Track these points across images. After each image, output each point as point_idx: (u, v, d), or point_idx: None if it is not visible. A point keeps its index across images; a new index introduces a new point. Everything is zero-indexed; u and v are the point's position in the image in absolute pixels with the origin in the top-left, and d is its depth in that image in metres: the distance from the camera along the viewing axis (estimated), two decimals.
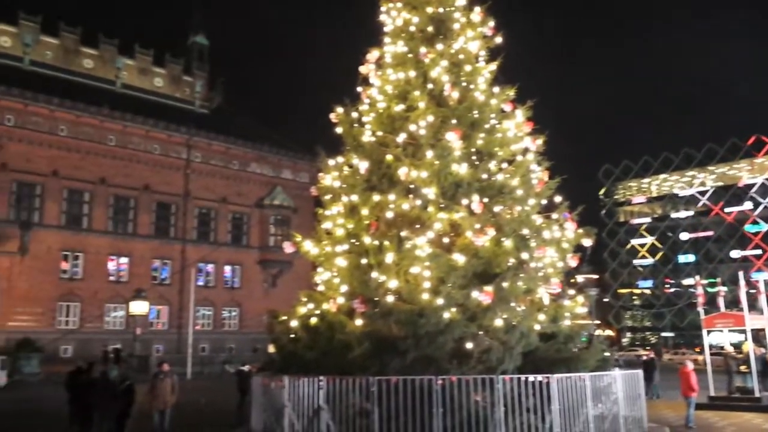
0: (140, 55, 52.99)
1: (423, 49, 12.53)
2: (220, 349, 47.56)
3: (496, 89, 12.86)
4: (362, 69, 13.31)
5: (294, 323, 12.09)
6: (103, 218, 44.59)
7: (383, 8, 13.43)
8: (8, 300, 39.50)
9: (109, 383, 14.93)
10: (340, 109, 13.03)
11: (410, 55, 12.78)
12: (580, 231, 12.44)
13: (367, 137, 12.62)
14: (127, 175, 45.58)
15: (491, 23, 13.28)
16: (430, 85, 12.44)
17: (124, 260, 45.28)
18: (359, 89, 13.26)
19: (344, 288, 11.66)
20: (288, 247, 12.94)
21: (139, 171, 46.30)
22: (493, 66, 13.13)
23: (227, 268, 50.69)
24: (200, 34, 57.80)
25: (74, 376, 16.54)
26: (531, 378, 10.12)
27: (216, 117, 54.42)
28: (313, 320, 11.68)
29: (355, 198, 12.17)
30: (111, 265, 44.69)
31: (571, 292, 12.66)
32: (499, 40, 13.18)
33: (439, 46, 12.67)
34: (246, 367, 20.26)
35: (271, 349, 13.17)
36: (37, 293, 40.57)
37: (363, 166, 12.24)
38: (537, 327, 11.22)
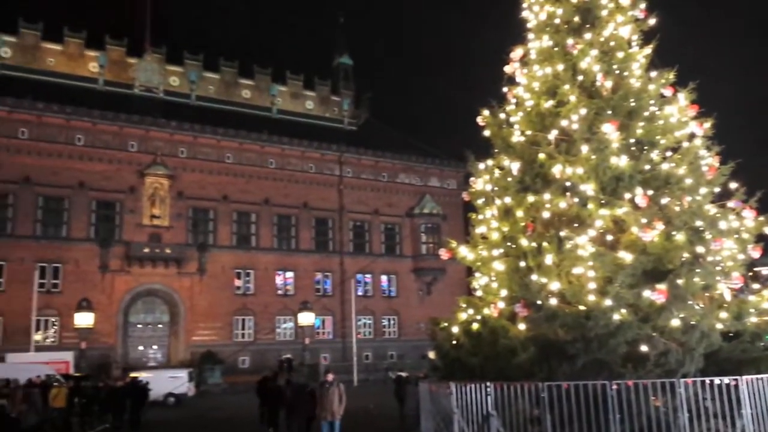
0: (291, 81, 56.12)
1: (570, 41, 12.06)
2: (383, 356, 48.81)
3: (653, 74, 12.06)
4: (507, 68, 13.06)
5: (455, 329, 12.06)
6: (269, 236, 47.61)
7: (525, 4, 13.10)
8: (191, 316, 43.36)
9: (298, 388, 16.38)
10: (486, 112, 12.87)
11: (557, 49, 12.34)
12: (761, 219, 11.29)
13: (516, 137, 12.35)
14: (287, 195, 48.40)
15: (642, 5, 12.50)
16: (580, 77, 11.92)
17: (289, 275, 48.00)
18: (505, 89, 13.03)
19: (504, 292, 11.46)
20: (443, 254, 12.95)
21: (297, 190, 48.98)
22: (648, 50, 12.32)
23: (383, 278, 51.98)
24: (344, 54, 60.11)
25: (263, 384, 18.15)
26: (716, 381, 9.35)
27: (364, 132, 56.24)
28: (475, 326, 11.58)
29: (508, 200, 11.93)
30: (278, 280, 47.56)
31: (756, 286, 11.55)
32: (653, 21, 12.37)
33: (587, 36, 12.13)
34: (403, 374, 20.57)
35: (433, 355, 13.23)
36: (215, 309, 44.15)
37: (515, 167, 11.99)
38: (719, 326, 10.31)
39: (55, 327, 39.11)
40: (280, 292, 47.34)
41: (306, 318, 41.93)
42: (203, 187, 45.22)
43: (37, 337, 36.62)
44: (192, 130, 45.34)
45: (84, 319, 35.64)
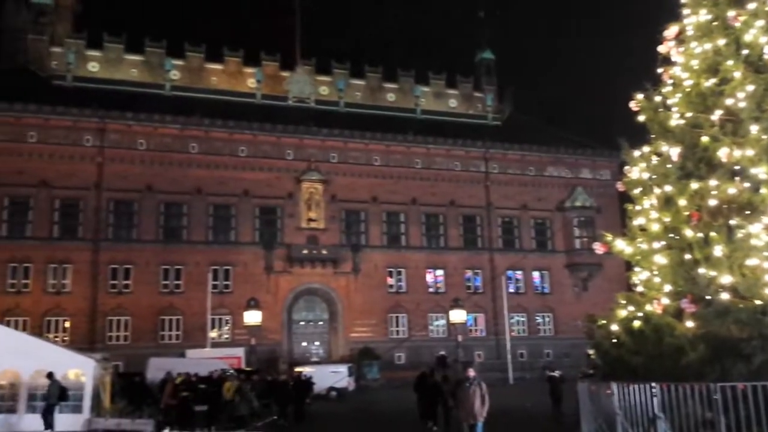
0: (434, 81, 56.53)
1: (731, 13, 11.07)
2: (538, 354, 47.69)
3: None
4: (661, 48, 12.24)
5: (614, 327, 11.52)
6: (418, 235, 48.34)
7: None
8: (349, 313, 45.14)
9: (458, 384, 16.53)
10: (640, 96, 12.17)
11: (716, 23, 11.39)
12: None
13: (675, 121, 11.54)
14: (433, 194, 48.84)
15: None
16: (744, 52, 10.91)
17: (439, 272, 48.40)
18: (659, 70, 12.23)
19: (667, 287, 10.76)
20: (598, 248, 12.40)
21: (444, 188, 49.27)
22: None
23: (535, 274, 50.77)
24: (486, 49, 59.49)
25: (421, 379, 18.65)
26: None
27: (508, 127, 55.30)
28: (637, 323, 10.99)
29: (669, 188, 11.19)
30: (429, 278, 48.13)
31: None
32: None
33: (751, 6, 11.07)
34: (557, 373, 19.97)
35: (592, 354, 12.70)
36: (370, 307, 45.61)
37: (674, 152, 11.21)
38: None
39: (228, 325, 42.46)
40: (431, 289, 47.86)
41: (458, 315, 41.98)
42: (354, 190, 46.88)
43: (213, 334, 39.98)
44: (342, 136, 47.20)
45: (253, 317, 38.27)
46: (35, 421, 18.22)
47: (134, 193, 42.26)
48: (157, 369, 25.30)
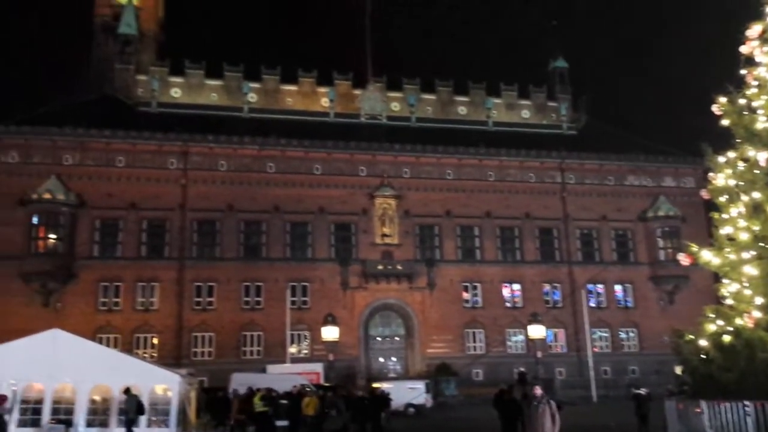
0: (506, 92, 55.93)
1: None
2: (622, 371, 45.94)
3: None
4: (743, 48, 11.72)
5: (703, 342, 11.00)
6: (493, 249, 47.71)
7: None
8: (425, 329, 44.98)
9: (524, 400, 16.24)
10: (723, 99, 11.66)
11: None
12: None
13: (761, 124, 11.01)
14: (508, 206, 48.15)
15: None
16: None
17: (516, 286, 47.53)
18: (742, 72, 11.68)
19: (759, 300, 10.21)
20: (684, 260, 11.93)
21: (518, 201, 48.50)
22: None
23: (617, 288, 49.05)
24: (559, 58, 58.46)
25: (500, 396, 18.39)
26: None
27: (584, 136, 53.95)
28: (727, 338, 10.47)
29: (757, 195, 10.66)
30: (505, 292, 47.34)
31: None
32: None
33: None
34: (643, 391, 19.17)
35: (679, 371, 12.14)
36: (446, 322, 45.29)
37: (762, 157, 10.69)
38: None
39: (307, 340, 43.15)
40: (508, 304, 47.05)
41: (536, 331, 41.13)
42: (427, 204, 46.85)
43: (292, 349, 40.75)
44: (414, 151, 47.35)
45: (330, 333, 38.80)
46: None
47: (216, 213, 43.81)
48: (239, 384, 25.95)
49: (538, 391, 12.04)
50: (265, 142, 45.16)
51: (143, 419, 19.38)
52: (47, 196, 40.28)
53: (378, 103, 52.63)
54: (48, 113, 43.24)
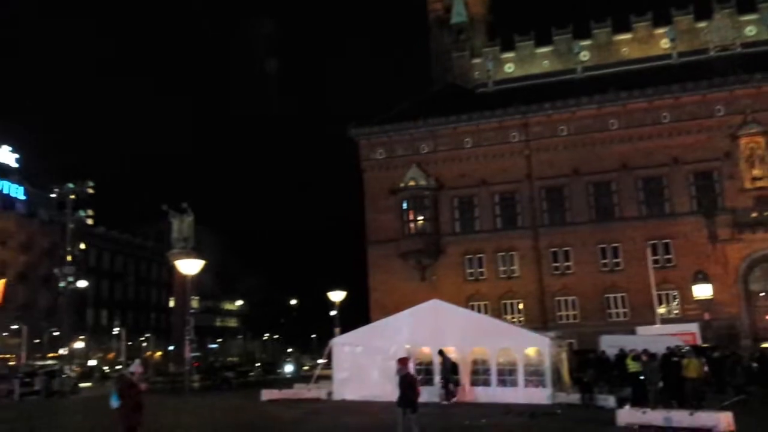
0: None
1: None
2: None
3: None
4: None
5: None
6: None
7: None
8: None
9: None
10: None
11: None
12: None
13: None
14: None
15: None
16: None
17: None
18: None
19: None
20: None
21: None
22: None
23: None
24: None
25: None
26: None
27: None
28: None
29: None
30: None
31: None
32: None
33: None
34: None
35: None
36: None
37: None
38: None
39: (676, 300, 40.64)
40: None
41: None
42: None
43: (661, 310, 38.75)
44: None
45: (702, 291, 35.88)
46: (505, 393, 20.79)
47: (562, 179, 44.02)
48: (608, 346, 25.91)
49: None
50: (603, 99, 43.62)
51: (521, 380, 20.89)
52: (412, 183, 45.52)
53: (729, 31, 46.47)
54: (402, 110, 48.66)
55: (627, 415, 15.33)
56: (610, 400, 19.06)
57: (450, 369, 21.12)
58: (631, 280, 40.77)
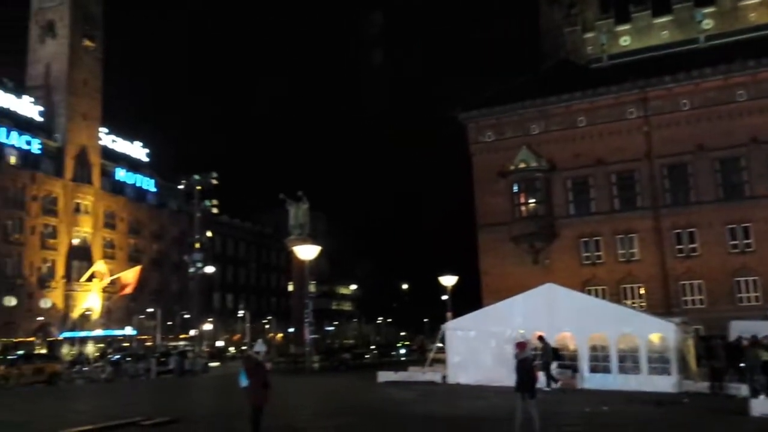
0: None
1: None
2: None
3: None
4: None
5: None
6: None
7: None
8: None
9: None
10: None
11: None
12: None
13: None
14: None
15: None
16: None
17: None
18: None
19: None
20: None
21: None
22: None
23: None
24: None
25: None
26: None
27: None
28: None
29: None
30: None
31: None
32: None
33: None
34: None
35: None
36: None
37: None
38: None
39: None
40: None
41: None
42: None
43: None
44: None
45: None
46: (627, 380, 20.12)
47: (686, 155, 41.45)
48: (739, 332, 24.40)
49: None
50: (730, 69, 40.55)
51: (644, 367, 20.15)
52: (522, 165, 44.53)
53: None
54: (511, 90, 47.59)
55: (762, 405, 14.45)
56: (743, 389, 18.01)
57: (551, 354, 20.76)
58: (764, 263, 37.96)
